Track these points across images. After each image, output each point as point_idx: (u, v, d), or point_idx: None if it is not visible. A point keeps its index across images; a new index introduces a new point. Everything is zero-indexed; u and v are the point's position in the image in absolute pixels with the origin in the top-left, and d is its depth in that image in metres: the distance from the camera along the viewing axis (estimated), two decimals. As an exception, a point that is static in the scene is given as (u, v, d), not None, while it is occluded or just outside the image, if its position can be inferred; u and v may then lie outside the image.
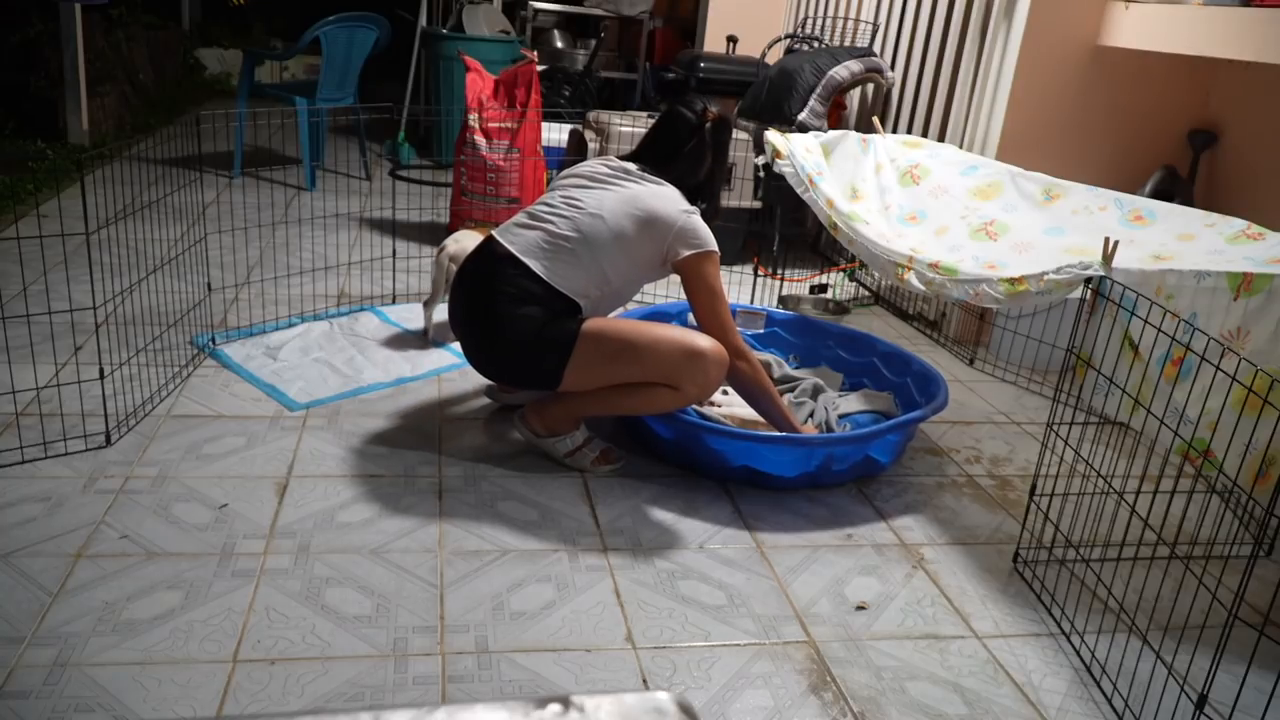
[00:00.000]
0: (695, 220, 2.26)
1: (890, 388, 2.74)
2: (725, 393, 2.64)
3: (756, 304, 3.39)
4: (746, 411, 2.48)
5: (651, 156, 2.37)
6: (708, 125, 2.36)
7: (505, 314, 2.19)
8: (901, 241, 2.68)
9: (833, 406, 2.63)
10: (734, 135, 2.52)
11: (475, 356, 2.32)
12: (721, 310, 2.29)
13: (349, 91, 5.02)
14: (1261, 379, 1.62)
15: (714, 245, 2.28)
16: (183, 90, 6.97)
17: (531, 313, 2.18)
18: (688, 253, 2.24)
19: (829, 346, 2.94)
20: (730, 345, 2.25)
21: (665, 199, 2.26)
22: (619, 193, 2.26)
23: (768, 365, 2.83)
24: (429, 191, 4.98)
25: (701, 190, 2.40)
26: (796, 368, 2.93)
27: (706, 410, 2.54)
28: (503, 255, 2.22)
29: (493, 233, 2.30)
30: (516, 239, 2.24)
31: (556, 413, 2.33)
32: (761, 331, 3.03)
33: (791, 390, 2.72)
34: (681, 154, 2.36)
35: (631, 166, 2.33)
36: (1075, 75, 3.28)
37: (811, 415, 2.60)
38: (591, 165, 2.36)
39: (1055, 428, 2.01)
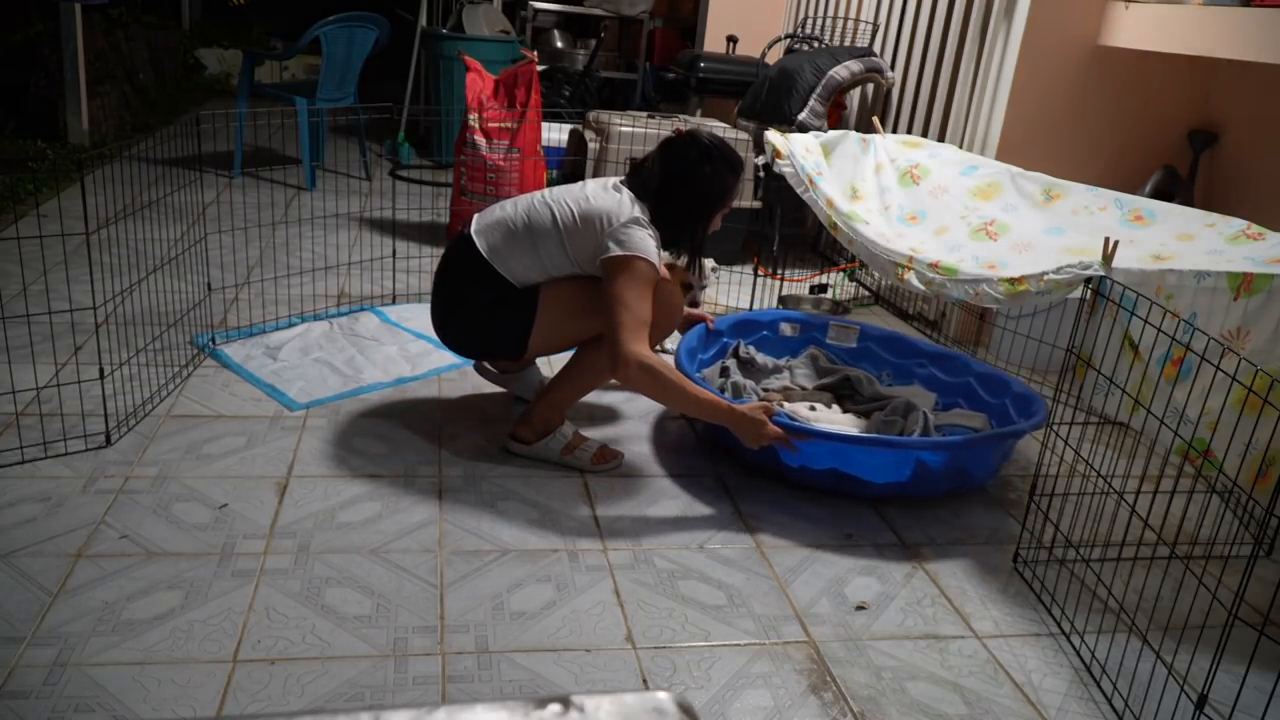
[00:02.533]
0: (634, 228, 2.16)
1: (987, 409, 2.60)
2: (813, 408, 2.58)
3: (757, 308, 3.39)
4: (836, 428, 2.43)
5: (637, 177, 2.31)
6: (671, 142, 2.29)
7: (459, 291, 2.32)
8: (901, 241, 2.68)
9: (925, 421, 2.46)
10: (719, 165, 2.27)
11: (441, 331, 2.41)
12: (619, 314, 2.10)
13: (349, 91, 5.02)
14: (1261, 379, 1.62)
15: (643, 253, 2.14)
16: (183, 90, 6.97)
17: (483, 291, 2.27)
18: (612, 253, 2.14)
19: (922, 365, 2.83)
20: (620, 353, 2.09)
21: (613, 201, 2.21)
22: (577, 192, 2.27)
23: (858, 381, 2.73)
24: (429, 191, 4.98)
25: (670, 214, 2.25)
26: (888, 385, 2.82)
27: (797, 416, 2.43)
28: (465, 236, 2.33)
29: (477, 214, 2.39)
30: (480, 220, 2.34)
31: (540, 412, 2.35)
32: (854, 346, 2.93)
33: (881, 408, 2.59)
34: (648, 169, 2.29)
35: (614, 181, 2.33)
36: (1075, 75, 3.28)
37: (901, 434, 2.46)
38: (592, 179, 2.38)
39: (1055, 428, 2.01)
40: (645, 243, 2.17)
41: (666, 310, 2.37)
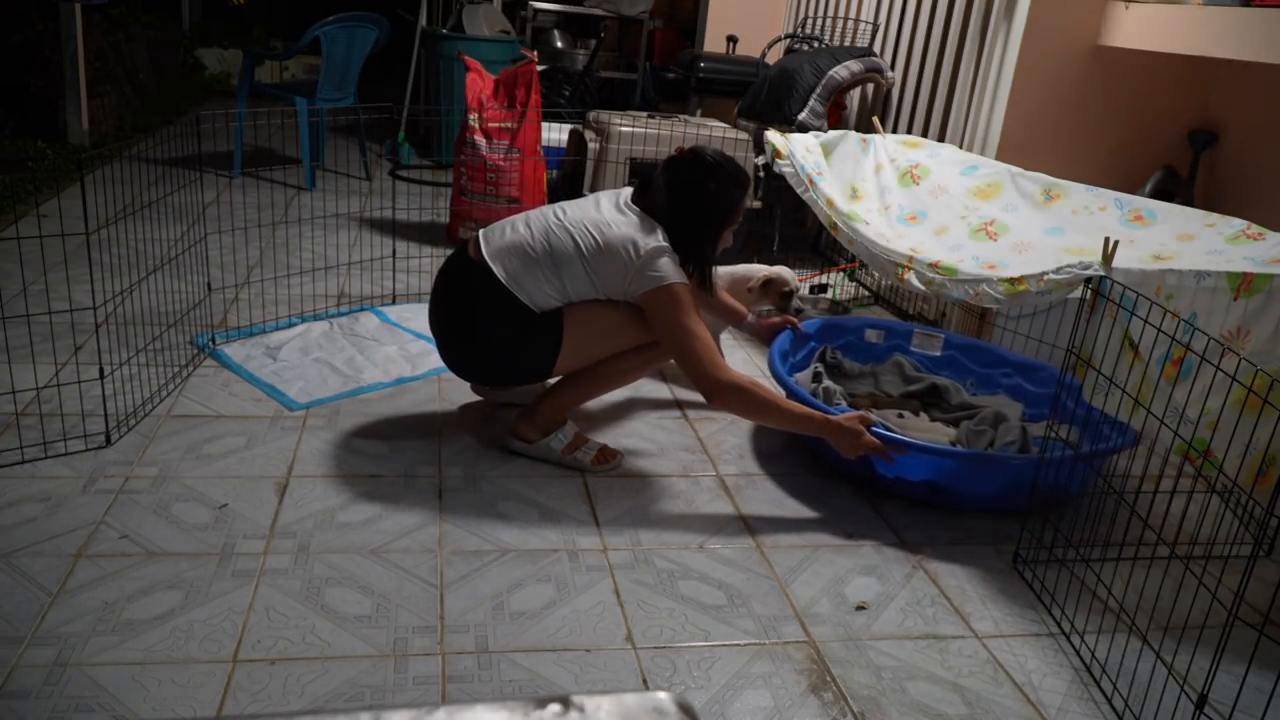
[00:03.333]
0: (655, 256, 2.15)
1: (1073, 421, 2.54)
2: (901, 415, 2.56)
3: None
4: (928, 436, 2.41)
5: (643, 196, 2.28)
6: (675, 161, 2.27)
7: (479, 323, 2.24)
8: (901, 241, 2.68)
9: (1024, 434, 2.41)
10: (720, 182, 2.25)
11: (454, 361, 2.36)
12: (690, 345, 2.14)
13: (349, 91, 5.02)
14: (1261, 379, 1.62)
15: (680, 279, 2.17)
16: (183, 90, 6.97)
17: (506, 322, 2.21)
18: (645, 289, 2.16)
19: (1008, 374, 2.80)
20: (708, 384, 2.13)
21: (633, 227, 2.18)
22: (594, 215, 2.22)
23: (946, 389, 2.71)
24: (429, 191, 4.98)
25: (680, 234, 2.23)
26: (973, 395, 2.78)
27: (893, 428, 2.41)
28: (475, 259, 2.23)
29: (480, 231, 2.31)
30: (491, 244, 2.24)
31: (544, 412, 2.34)
32: (938, 355, 2.91)
33: (971, 418, 2.58)
34: (659, 186, 2.26)
35: (628, 193, 2.30)
36: (1075, 75, 3.28)
37: (991, 445, 2.42)
38: (600, 194, 2.35)
39: (1055, 428, 2.01)
40: (676, 268, 2.18)
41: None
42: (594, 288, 2.22)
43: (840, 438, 2.16)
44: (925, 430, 2.48)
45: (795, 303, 2.84)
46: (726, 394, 2.13)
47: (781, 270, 2.89)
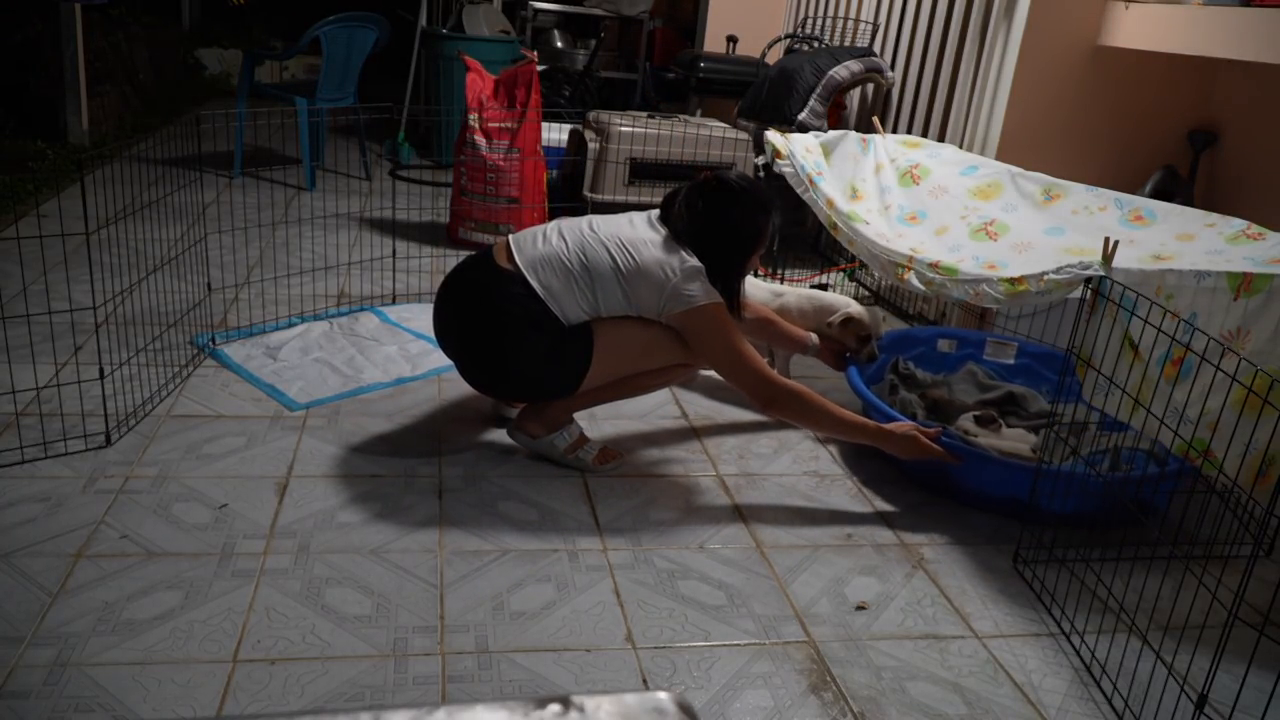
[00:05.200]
0: (690, 278, 2.14)
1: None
2: (976, 418, 2.53)
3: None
4: (1009, 445, 2.39)
5: (669, 218, 2.26)
6: (699, 187, 2.24)
7: (509, 332, 2.17)
8: (901, 241, 2.68)
9: (1114, 448, 2.35)
10: (749, 210, 2.23)
11: (477, 375, 2.32)
12: (739, 360, 2.17)
13: (349, 91, 5.02)
14: (1261, 379, 1.62)
15: (706, 297, 2.15)
16: (183, 90, 6.97)
17: (535, 333, 2.17)
18: (680, 309, 2.15)
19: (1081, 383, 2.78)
20: (765, 392, 2.17)
21: (667, 248, 2.17)
22: (629, 232, 2.20)
23: (1023, 397, 2.68)
24: (429, 191, 4.98)
25: (707, 260, 2.19)
26: (1051, 403, 2.72)
27: (973, 439, 2.40)
28: (508, 268, 2.20)
29: (510, 239, 2.27)
30: (525, 254, 2.21)
31: (552, 413, 2.33)
32: (1012, 363, 2.89)
33: (1049, 426, 2.46)
34: (681, 213, 2.23)
35: (655, 215, 2.28)
36: (1075, 75, 3.28)
37: (1075, 454, 2.35)
38: (632, 214, 2.32)
39: (1055, 428, 2.01)
40: (701, 284, 2.16)
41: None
42: (628, 304, 2.20)
43: (894, 444, 2.23)
44: (1005, 439, 2.44)
45: (872, 347, 2.71)
46: (783, 401, 2.18)
47: (865, 311, 2.72)
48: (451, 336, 2.30)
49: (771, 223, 2.30)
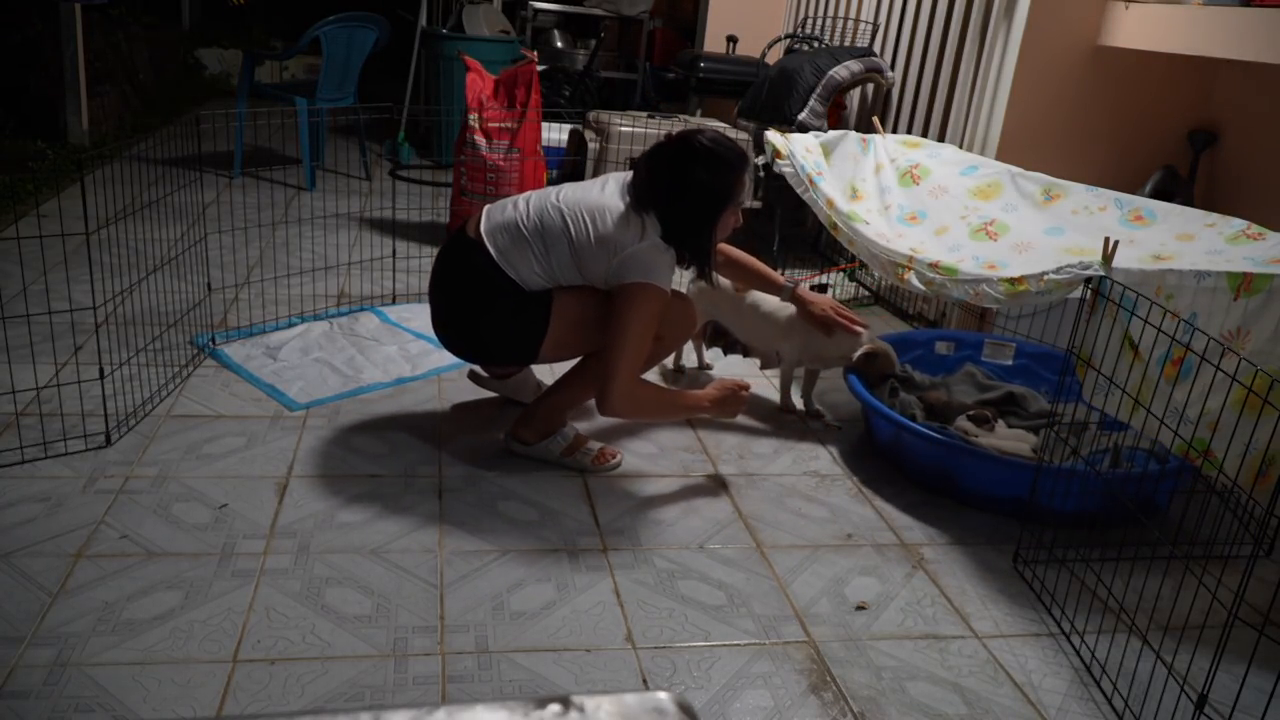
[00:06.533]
0: (649, 252, 2.12)
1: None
2: (970, 416, 2.52)
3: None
4: (1010, 445, 2.39)
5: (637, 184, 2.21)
6: (662, 147, 2.18)
7: (471, 299, 2.23)
8: (901, 241, 2.68)
9: (1114, 446, 2.35)
10: (718, 168, 2.15)
11: (446, 337, 2.35)
12: (626, 347, 2.10)
13: (349, 91, 5.02)
14: (1261, 379, 1.62)
15: (656, 280, 2.11)
16: (183, 90, 6.97)
17: (494, 297, 2.19)
18: (624, 280, 2.12)
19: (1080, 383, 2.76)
20: (616, 389, 2.10)
21: (622, 214, 2.14)
22: (595, 198, 2.18)
23: (1023, 397, 2.68)
24: (429, 191, 4.98)
25: (672, 223, 2.16)
26: (1050, 404, 2.70)
27: (975, 439, 2.39)
28: (473, 236, 2.23)
29: (485, 208, 2.31)
30: (489, 221, 2.24)
31: (541, 414, 2.34)
32: (1011, 364, 2.88)
33: (1049, 426, 2.47)
34: (643, 176, 2.19)
35: (626, 177, 2.24)
36: (1075, 75, 3.28)
37: (1075, 454, 2.34)
38: (610, 175, 2.30)
39: (1055, 428, 2.01)
40: (658, 267, 2.13)
41: (677, 326, 2.36)
42: (578, 272, 2.18)
43: (722, 407, 2.30)
44: (1004, 438, 2.44)
45: (891, 384, 2.66)
46: (622, 405, 2.15)
47: (888, 350, 2.62)
48: (435, 307, 2.34)
49: (743, 179, 2.21)
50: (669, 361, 3.01)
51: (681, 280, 2.76)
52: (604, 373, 2.12)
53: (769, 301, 2.74)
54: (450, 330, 2.33)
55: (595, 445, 2.38)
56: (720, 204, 2.18)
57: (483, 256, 2.18)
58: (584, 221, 2.15)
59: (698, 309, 2.74)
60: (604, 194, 2.19)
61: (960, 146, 3.38)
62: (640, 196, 2.15)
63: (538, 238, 2.16)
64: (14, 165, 4.41)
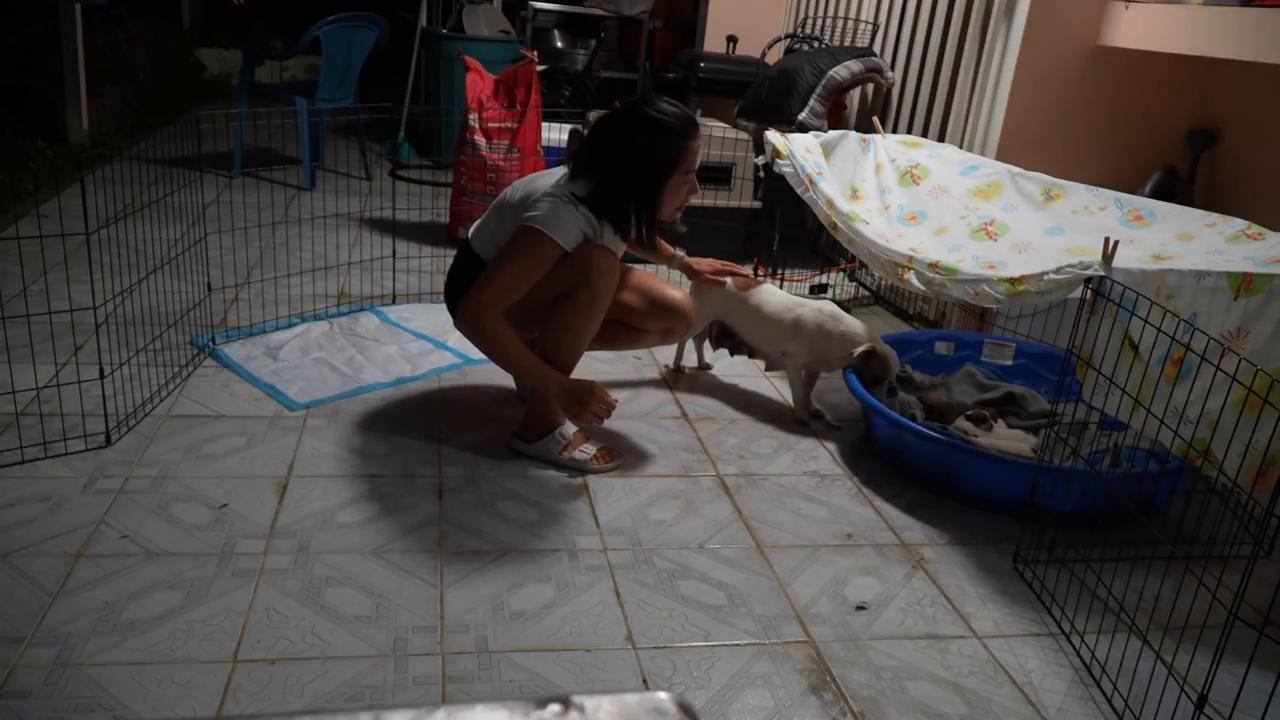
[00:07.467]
0: (550, 201, 2.16)
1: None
2: (969, 415, 2.53)
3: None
4: (1010, 445, 2.39)
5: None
6: (605, 116, 2.25)
7: (454, 286, 2.40)
8: (901, 241, 2.68)
9: (1114, 446, 2.35)
10: (647, 135, 2.18)
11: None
12: (497, 277, 2.16)
13: (349, 91, 5.02)
14: (1261, 379, 1.62)
15: (546, 227, 2.13)
16: (183, 90, 6.97)
17: (463, 268, 2.37)
18: (520, 221, 2.18)
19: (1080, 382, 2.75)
20: (474, 310, 2.16)
21: (549, 179, 2.25)
22: (548, 175, 2.30)
23: (1023, 397, 2.67)
24: (429, 191, 4.98)
25: (611, 191, 2.21)
26: (1050, 404, 2.69)
27: (973, 438, 2.40)
28: (465, 236, 2.45)
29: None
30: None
31: (534, 412, 2.36)
32: (1010, 364, 2.86)
33: (1050, 426, 2.48)
34: (585, 143, 2.27)
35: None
36: (1075, 75, 3.28)
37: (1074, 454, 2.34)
38: None
39: (1055, 428, 2.01)
40: (556, 219, 2.15)
41: (606, 278, 2.25)
42: (509, 232, 2.25)
43: (569, 399, 2.21)
44: (1005, 438, 2.44)
45: (886, 387, 2.63)
46: (478, 328, 2.18)
47: (889, 354, 2.60)
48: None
49: (691, 146, 2.21)
50: (669, 362, 3.01)
51: (681, 280, 2.76)
52: (471, 292, 2.19)
53: (774, 303, 2.74)
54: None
55: (595, 445, 2.38)
56: (661, 173, 2.19)
57: (465, 244, 2.39)
58: (520, 183, 2.30)
59: (702, 309, 2.75)
60: (553, 171, 2.32)
61: (960, 146, 3.38)
62: (580, 162, 2.23)
63: (494, 210, 2.32)
64: (14, 165, 4.41)
